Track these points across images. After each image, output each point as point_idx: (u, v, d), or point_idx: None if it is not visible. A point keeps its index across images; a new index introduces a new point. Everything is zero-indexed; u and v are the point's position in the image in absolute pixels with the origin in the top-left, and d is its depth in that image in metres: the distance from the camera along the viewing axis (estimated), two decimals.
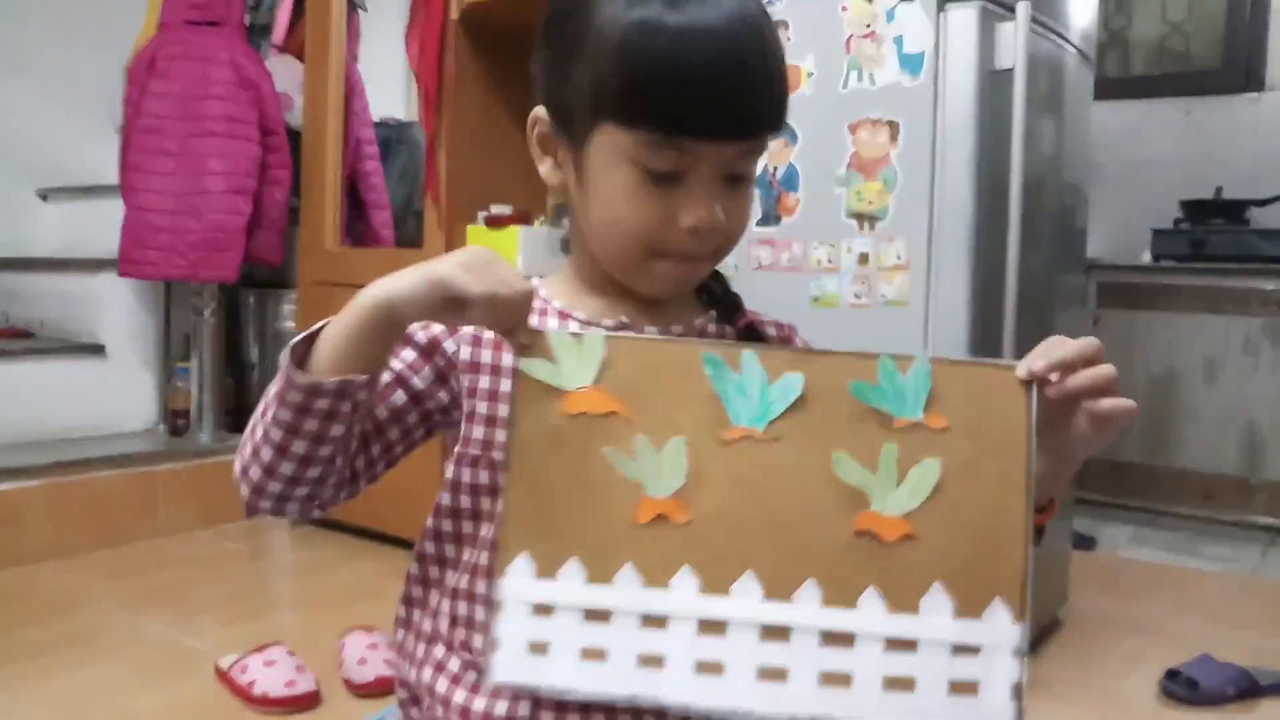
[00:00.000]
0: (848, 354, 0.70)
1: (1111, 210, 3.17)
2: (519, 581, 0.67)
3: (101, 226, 2.84)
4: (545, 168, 0.81)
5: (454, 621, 0.78)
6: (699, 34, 0.70)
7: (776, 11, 1.77)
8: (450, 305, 0.66)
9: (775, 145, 1.76)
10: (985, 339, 1.64)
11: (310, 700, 1.62)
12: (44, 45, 3.18)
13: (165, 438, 2.79)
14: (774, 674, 0.65)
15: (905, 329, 1.65)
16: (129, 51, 2.82)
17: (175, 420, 2.80)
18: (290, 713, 1.60)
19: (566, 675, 0.66)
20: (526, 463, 0.68)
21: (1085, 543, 2.67)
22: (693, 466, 0.67)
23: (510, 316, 0.68)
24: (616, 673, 0.66)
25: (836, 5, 1.72)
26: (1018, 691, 0.65)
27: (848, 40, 1.72)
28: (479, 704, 0.74)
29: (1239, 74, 3.28)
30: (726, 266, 0.85)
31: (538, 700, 0.72)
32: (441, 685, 0.77)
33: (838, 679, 0.65)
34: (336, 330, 0.70)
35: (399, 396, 0.79)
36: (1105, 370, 0.68)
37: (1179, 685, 1.72)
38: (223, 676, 1.69)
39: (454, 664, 0.77)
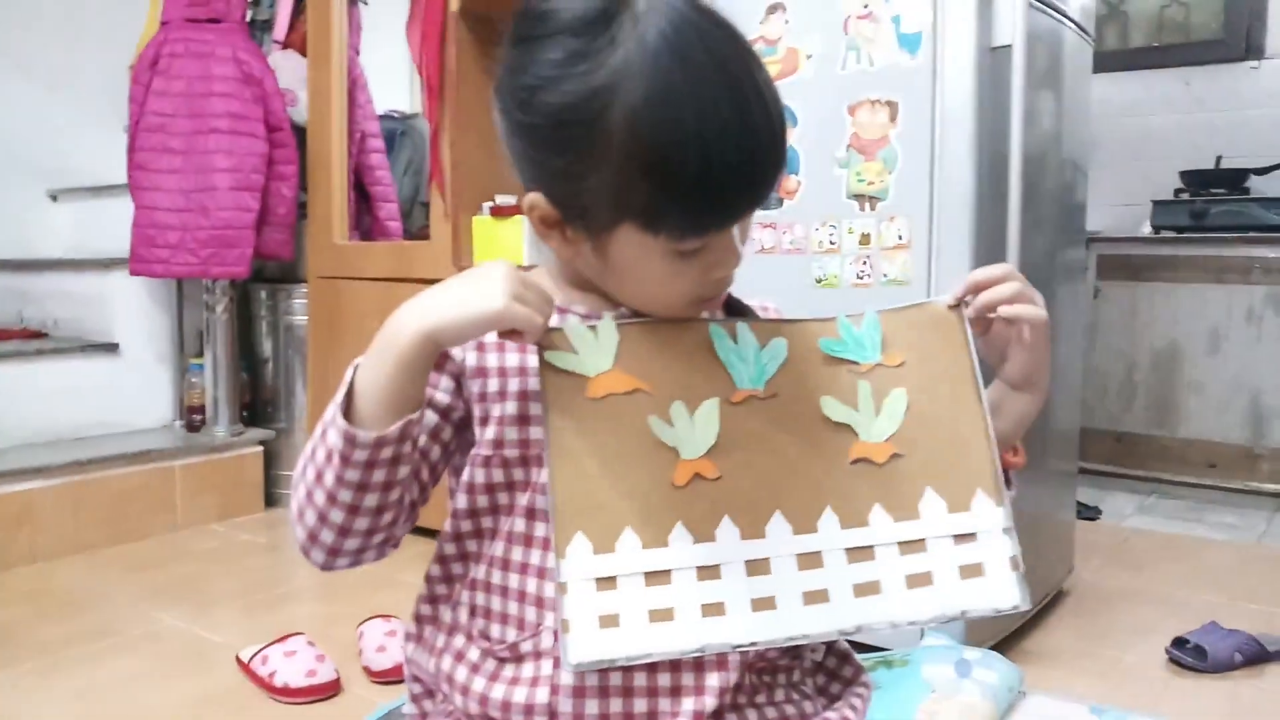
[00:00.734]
0: (813, 319, 0.80)
1: (1111, 182, 3.18)
2: (580, 560, 0.70)
3: (111, 226, 2.87)
4: (554, 244, 0.78)
5: (473, 612, 0.79)
6: (724, 139, 0.69)
7: None
8: (503, 334, 0.71)
9: None
10: None
11: (331, 689, 1.65)
12: (50, 47, 3.21)
13: (181, 433, 2.82)
14: (817, 596, 0.72)
15: None
16: (133, 51, 2.84)
17: (191, 416, 2.84)
18: (312, 702, 1.63)
19: (640, 641, 0.69)
20: (566, 448, 0.72)
21: (1090, 513, 2.69)
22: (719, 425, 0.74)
23: (546, 328, 0.73)
24: (685, 628, 0.70)
25: None
26: (1015, 564, 0.74)
27: (845, 21, 1.73)
28: (498, 691, 0.76)
29: (1239, 43, 3.27)
30: None
31: (555, 686, 0.74)
32: (461, 674, 0.79)
33: (869, 588, 0.73)
34: (376, 373, 0.71)
35: (430, 416, 0.79)
36: (1008, 286, 0.78)
37: (1187, 653, 1.74)
38: (244, 668, 1.72)
39: (474, 653, 0.79)
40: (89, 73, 3.24)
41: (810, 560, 0.73)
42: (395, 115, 3.23)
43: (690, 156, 0.68)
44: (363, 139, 2.84)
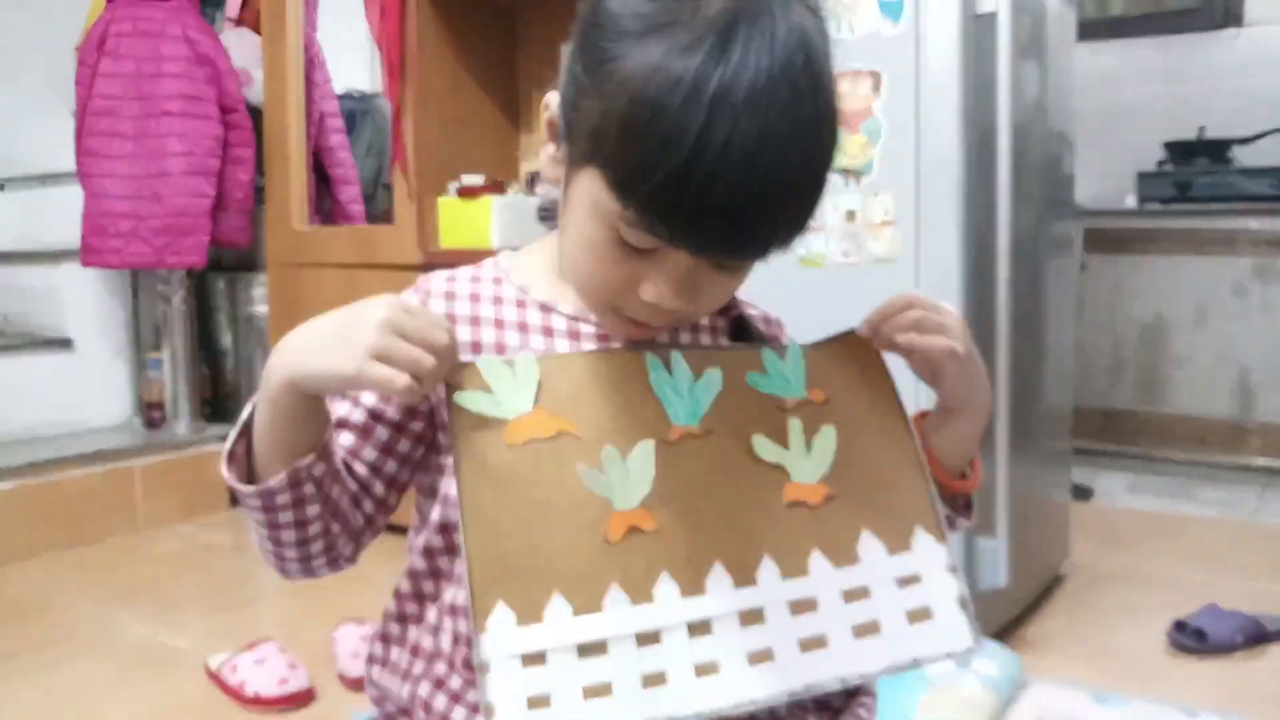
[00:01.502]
0: (742, 348, 0.76)
1: (1094, 155, 3.12)
2: (503, 634, 0.61)
3: (61, 215, 2.76)
4: (545, 154, 0.73)
5: (456, 640, 0.73)
6: (732, 141, 0.59)
7: None
8: (409, 396, 0.62)
9: None
10: (977, 292, 1.60)
11: (305, 698, 1.58)
12: None
13: (141, 431, 2.73)
14: (762, 656, 0.66)
15: (895, 285, 1.59)
16: (79, 31, 2.73)
17: (150, 412, 2.74)
18: (285, 711, 1.56)
19: None
20: (481, 504, 0.64)
21: (1083, 493, 2.66)
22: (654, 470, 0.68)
23: (438, 379, 0.64)
24: (624, 703, 0.63)
25: None
26: (964, 604, 0.71)
27: None
28: None
29: (1216, 11, 3.24)
30: None
31: None
32: (440, 702, 0.73)
33: (815, 642, 0.68)
34: (260, 415, 0.66)
35: (381, 432, 0.74)
36: (907, 316, 0.74)
37: (1187, 636, 1.71)
38: (213, 677, 1.64)
39: (455, 681, 0.73)
40: (33, 55, 3.11)
41: (753, 616, 0.67)
42: (355, 95, 3.14)
43: (680, 143, 0.59)
44: (321, 120, 2.74)
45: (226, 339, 2.87)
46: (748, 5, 0.61)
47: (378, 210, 2.94)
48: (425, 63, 2.27)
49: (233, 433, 0.68)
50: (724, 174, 0.59)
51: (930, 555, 0.72)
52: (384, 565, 0.84)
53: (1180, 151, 3.07)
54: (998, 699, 1.45)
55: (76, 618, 1.97)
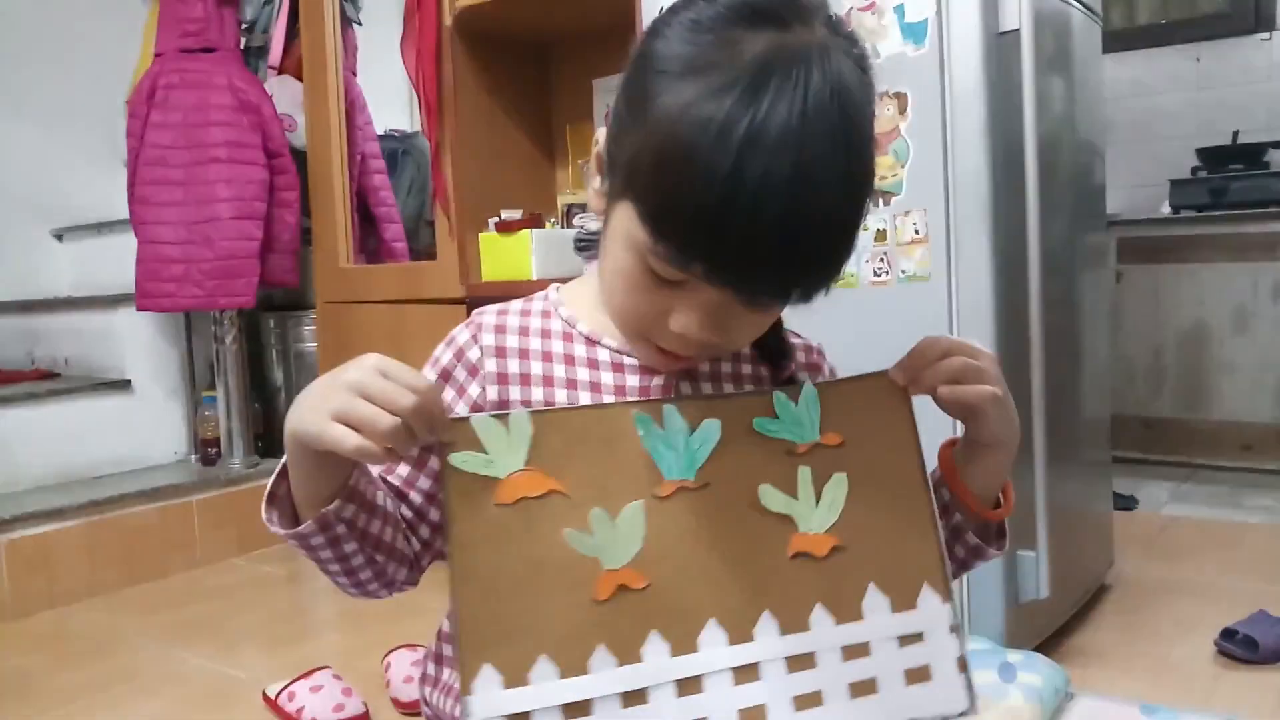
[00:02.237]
0: (747, 393, 0.75)
1: (1124, 164, 3.12)
2: (489, 696, 0.62)
3: (116, 262, 2.86)
4: (592, 187, 0.76)
5: None
6: (756, 183, 0.60)
7: None
8: (361, 456, 0.64)
9: None
10: (1010, 306, 1.61)
11: None
12: (44, 86, 3.20)
13: (197, 468, 2.80)
14: (754, 714, 0.66)
15: (928, 304, 1.63)
16: (128, 84, 2.83)
17: (206, 450, 2.81)
18: None
19: None
20: (472, 564, 0.64)
21: (1126, 503, 2.64)
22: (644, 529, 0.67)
23: (411, 441, 0.64)
24: None
25: None
26: (963, 665, 0.70)
27: (847, 13, 1.68)
28: None
29: (1248, 15, 3.22)
30: None
31: None
32: None
33: (810, 699, 0.67)
34: (291, 461, 0.69)
35: (434, 462, 0.76)
36: (950, 364, 0.73)
37: (1236, 645, 1.69)
38: (271, 704, 1.68)
39: None
40: (85, 109, 3.23)
41: (746, 674, 0.66)
42: (395, 135, 3.21)
43: (711, 182, 0.60)
44: (364, 160, 2.81)
45: (278, 376, 2.94)
46: (784, 52, 0.62)
47: (420, 247, 3.00)
48: (462, 102, 2.32)
49: (272, 477, 0.72)
50: (751, 216, 0.60)
51: (935, 614, 0.70)
52: (436, 594, 0.86)
53: (1214, 157, 3.05)
54: (1043, 711, 1.45)
55: (139, 655, 2.02)
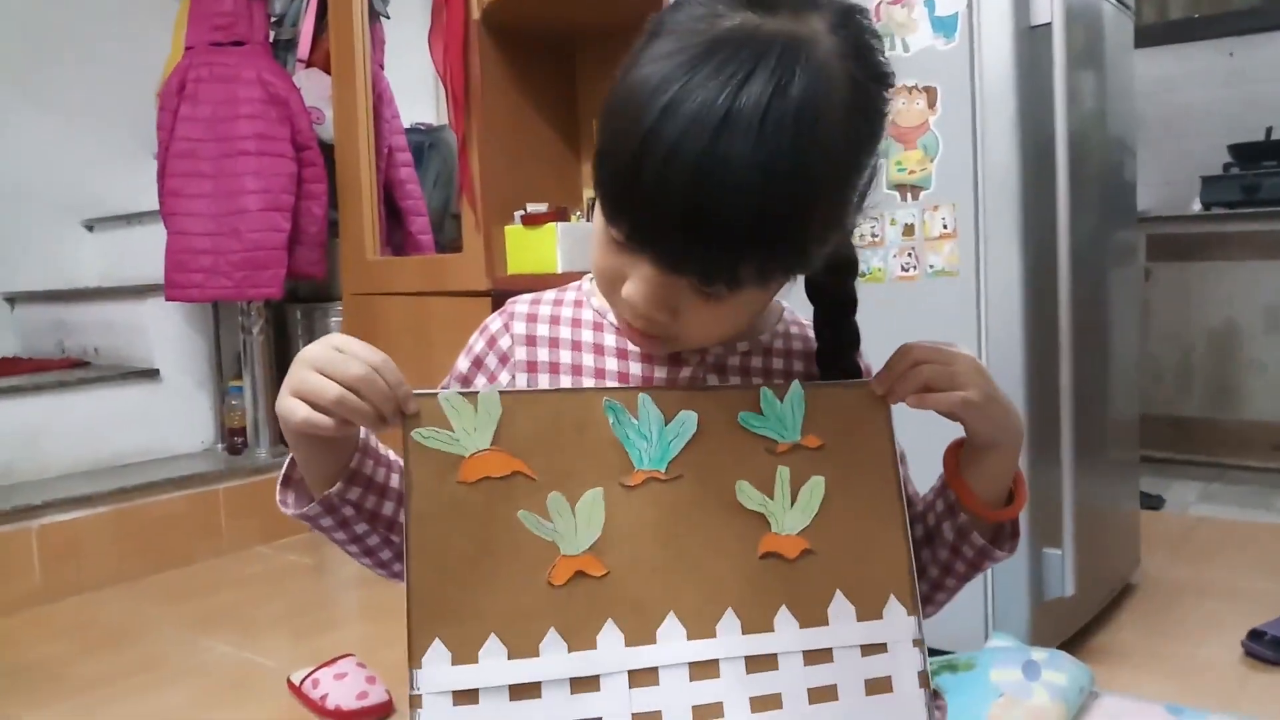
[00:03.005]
0: (733, 388, 0.75)
1: (1154, 161, 3.09)
2: (436, 671, 0.62)
3: (145, 253, 2.89)
4: None
5: None
6: (668, 148, 0.58)
7: None
8: (310, 427, 0.65)
9: None
10: (1039, 303, 1.60)
11: (383, 710, 1.63)
12: (76, 80, 3.24)
13: (223, 457, 2.83)
14: (709, 711, 0.65)
15: (956, 299, 1.62)
16: (158, 78, 2.86)
17: (232, 439, 2.84)
18: None
19: None
20: (427, 540, 0.64)
21: (1152, 502, 2.61)
22: (605, 516, 0.67)
23: (367, 413, 0.65)
24: None
25: None
26: (924, 679, 0.70)
27: (877, 7, 1.68)
28: None
29: None
30: None
31: None
32: None
33: (768, 701, 0.66)
34: (290, 446, 0.71)
35: None
36: (919, 373, 0.72)
37: (1264, 646, 1.67)
38: (295, 690, 1.70)
39: None
40: (115, 102, 3.27)
41: (705, 670, 0.66)
42: (422, 128, 3.22)
43: (631, 135, 0.59)
44: (390, 153, 2.83)
45: None
46: (746, 34, 0.60)
47: (446, 240, 3.01)
48: (488, 96, 2.33)
49: (287, 461, 0.73)
50: (659, 178, 0.59)
51: (899, 626, 0.70)
52: None
53: (1246, 154, 3.01)
54: (1067, 710, 1.44)
55: (165, 641, 2.04)
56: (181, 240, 2.64)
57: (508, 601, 0.64)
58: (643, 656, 0.65)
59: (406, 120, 3.03)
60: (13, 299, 3.24)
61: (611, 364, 0.78)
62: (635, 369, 0.77)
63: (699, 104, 0.58)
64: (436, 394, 0.67)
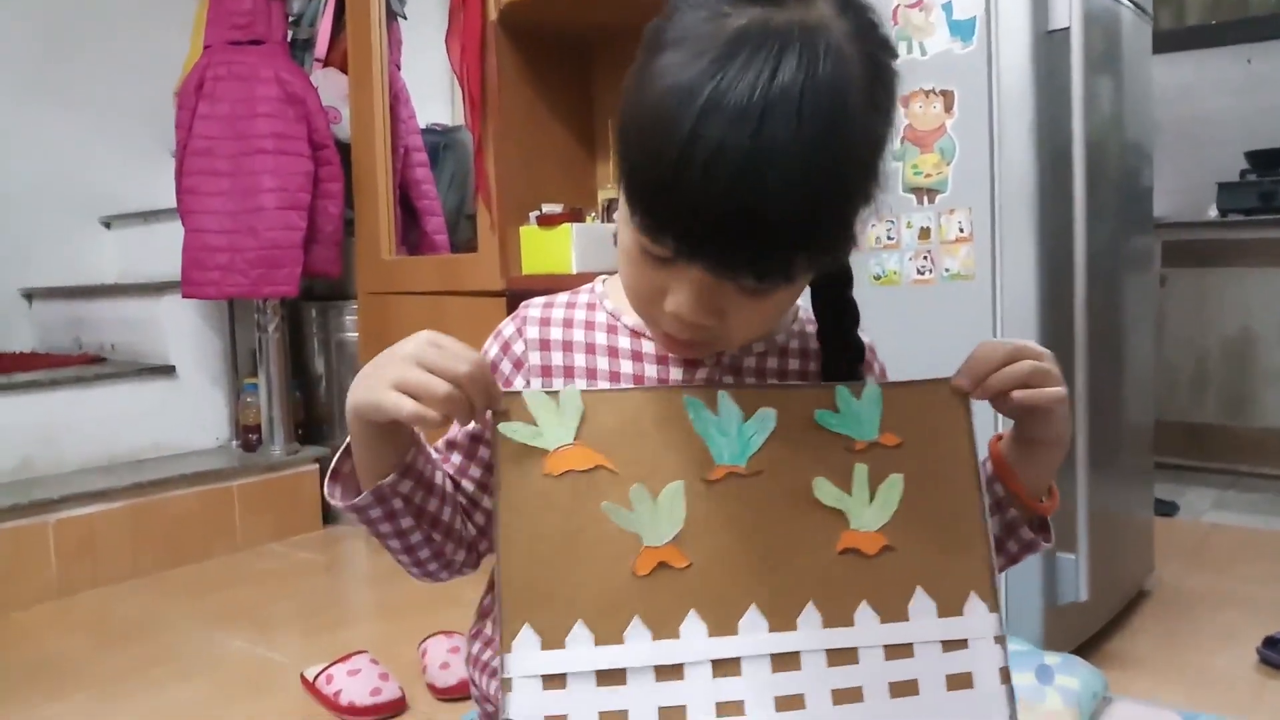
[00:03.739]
0: (809, 386, 0.76)
1: (1170, 167, 3.08)
2: (526, 655, 0.65)
3: (162, 250, 2.91)
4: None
5: None
6: (710, 152, 0.58)
7: None
8: (418, 421, 0.66)
9: None
10: (1055, 308, 1.60)
11: (396, 707, 1.64)
12: (95, 77, 3.26)
13: (238, 454, 2.84)
14: (791, 702, 0.67)
15: (971, 303, 1.62)
16: (177, 76, 2.87)
17: (247, 436, 2.85)
18: None
19: None
20: (517, 529, 0.67)
21: (1167, 509, 2.60)
22: (687, 510, 0.68)
23: (467, 408, 0.67)
24: None
25: None
26: (1005, 675, 0.70)
27: (894, 10, 1.68)
28: None
29: None
30: None
31: None
32: None
33: (849, 694, 0.68)
34: (352, 437, 0.73)
35: (484, 451, 0.80)
36: (1016, 368, 0.72)
37: (1279, 653, 1.66)
38: (309, 687, 1.71)
39: None
40: (133, 100, 3.29)
41: (786, 661, 0.67)
42: (438, 128, 3.23)
43: (669, 151, 0.59)
44: (406, 154, 2.84)
45: (319, 365, 2.98)
46: (764, 27, 0.60)
47: (461, 240, 3.02)
48: (505, 96, 2.34)
49: (338, 454, 0.75)
50: (704, 185, 0.59)
51: (981, 623, 0.70)
52: (473, 585, 0.88)
53: (1264, 161, 3.00)
54: (1080, 715, 1.44)
55: (180, 637, 2.05)
56: (198, 238, 2.66)
57: (594, 590, 0.66)
58: (726, 647, 0.66)
59: (422, 120, 3.04)
60: (30, 295, 3.26)
61: (626, 367, 0.78)
62: (650, 371, 0.78)
63: (734, 103, 0.58)
64: (521, 391, 0.69)
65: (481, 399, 0.67)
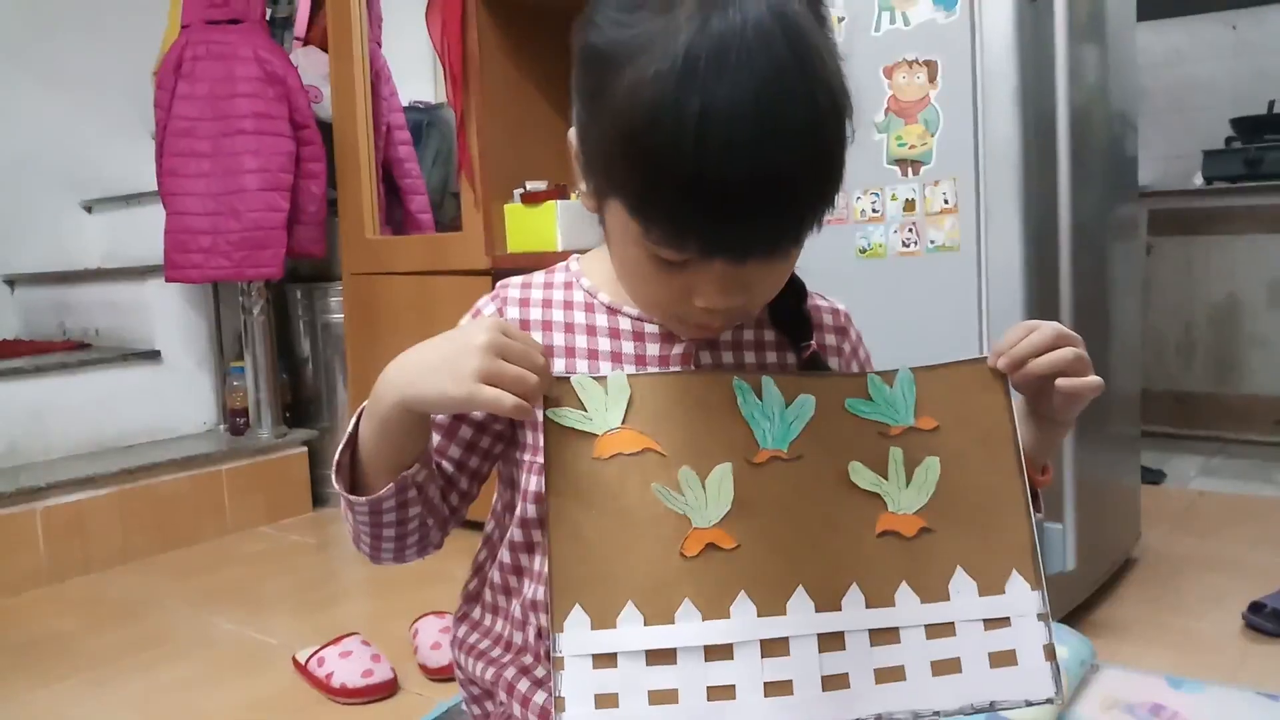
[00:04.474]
0: (841, 374, 0.78)
1: (1156, 135, 3.07)
2: (577, 635, 0.66)
3: (145, 233, 2.89)
4: (580, 190, 0.75)
5: (540, 634, 0.78)
6: (730, 159, 0.59)
7: None
8: (520, 414, 0.66)
9: None
10: (1041, 278, 1.60)
11: (388, 688, 1.64)
12: (73, 58, 3.22)
13: (226, 437, 2.83)
14: (837, 681, 0.67)
15: (957, 274, 1.61)
16: (155, 56, 2.84)
17: (235, 419, 2.84)
18: (369, 702, 1.62)
19: None
20: (567, 513, 0.68)
21: (1154, 476, 2.62)
22: (734, 492, 0.69)
23: (539, 397, 0.68)
24: (689, 711, 0.66)
25: None
26: (1050, 652, 0.70)
27: None
28: None
29: None
30: None
31: None
32: (524, 685, 0.78)
33: (892, 674, 0.68)
34: (369, 428, 0.71)
35: (465, 431, 0.79)
36: (1060, 354, 0.72)
37: (1264, 618, 1.68)
38: (300, 669, 1.71)
39: (540, 671, 0.78)
40: (114, 81, 3.25)
41: (832, 641, 0.68)
42: (420, 106, 3.21)
43: (680, 159, 0.60)
44: (389, 132, 2.82)
45: (305, 346, 2.96)
46: (719, 16, 0.60)
47: (446, 218, 3.00)
48: (486, 72, 2.32)
49: (338, 450, 0.73)
50: (731, 180, 0.60)
51: (1023, 600, 0.71)
52: (461, 562, 0.88)
53: (1249, 127, 2.99)
54: (1068, 682, 1.45)
55: (171, 620, 2.05)
56: (180, 220, 2.64)
57: (643, 571, 0.67)
58: (775, 627, 0.67)
59: (405, 98, 3.02)
60: (13, 281, 3.24)
61: (604, 344, 0.78)
62: (628, 348, 0.78)
63: (727, 96, 0.59)
64: (569, 377, 0.70)
65: (550, 386, 0.68)
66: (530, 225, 2.22)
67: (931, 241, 1.64)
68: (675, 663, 0.66)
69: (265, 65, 2.63)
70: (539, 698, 0.77)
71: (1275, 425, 2.87)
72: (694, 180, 0.60)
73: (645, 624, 0.66)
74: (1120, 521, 1.97)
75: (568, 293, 0.81)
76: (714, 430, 0.70)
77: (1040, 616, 0.70)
